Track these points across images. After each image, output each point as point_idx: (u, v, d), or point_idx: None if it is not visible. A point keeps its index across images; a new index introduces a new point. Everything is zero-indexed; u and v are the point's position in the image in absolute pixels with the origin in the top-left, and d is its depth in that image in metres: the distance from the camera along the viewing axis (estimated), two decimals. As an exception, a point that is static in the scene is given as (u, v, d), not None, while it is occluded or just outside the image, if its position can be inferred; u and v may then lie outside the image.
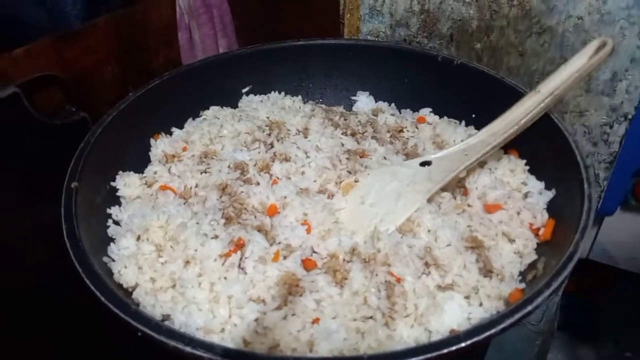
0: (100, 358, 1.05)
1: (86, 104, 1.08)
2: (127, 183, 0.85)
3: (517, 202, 0.78)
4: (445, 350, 0.53)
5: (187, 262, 0.71)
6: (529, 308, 0.58)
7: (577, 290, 1.61)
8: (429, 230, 0.74)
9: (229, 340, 0.64)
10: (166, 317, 0.67)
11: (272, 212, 0.80)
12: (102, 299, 0.59)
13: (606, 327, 1.54)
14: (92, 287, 0.60)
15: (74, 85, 1.11)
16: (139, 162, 0.91)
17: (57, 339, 1.02)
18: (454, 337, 0.55)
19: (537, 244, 0.75)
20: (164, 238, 0.75)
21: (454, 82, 0.97)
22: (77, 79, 1.14)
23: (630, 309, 1.57)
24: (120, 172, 0.86)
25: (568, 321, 1.60)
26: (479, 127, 0.90)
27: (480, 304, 0.67)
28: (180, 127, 0.99)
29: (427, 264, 0.70)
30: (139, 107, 0.90)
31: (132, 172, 0.87)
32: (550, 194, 0.79)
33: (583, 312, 1.66)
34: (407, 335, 0.63)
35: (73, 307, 0.87)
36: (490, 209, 0.78)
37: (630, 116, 0.98)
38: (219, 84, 1.04)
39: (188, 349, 0.53)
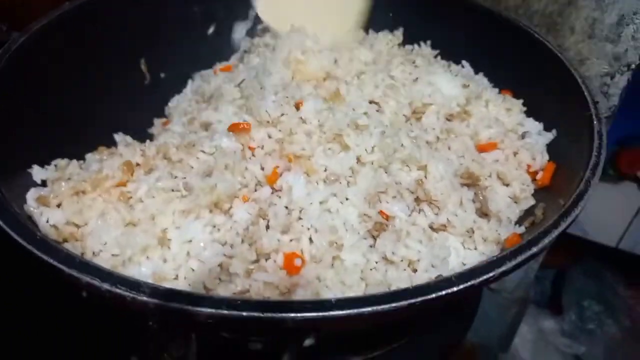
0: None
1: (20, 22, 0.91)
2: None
3: (513, 142, 0.70)
4: (432, 295, 0.44)
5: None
6: (534, 250, 0.50)
7: (544, 262, 1.57)
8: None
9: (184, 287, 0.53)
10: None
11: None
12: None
13: (570, 300, 1.52)
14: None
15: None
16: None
17: None
18: (444, 281, 0.46)
19: (534, 189, 0.67)
20: None
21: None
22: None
23: (595, 281, 1.55)
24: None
25: (534, 293, 1.57)
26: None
27: (475, 248, 0.59)
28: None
29: (418, 200, 0.60)
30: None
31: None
32: (550, 135, 0.71)
33: (548, 285, 1.63)
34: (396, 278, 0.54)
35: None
36: (484, 148, 0.69)
37: (634, 66, 0.89)
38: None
39: (106, 286, 0.41)
